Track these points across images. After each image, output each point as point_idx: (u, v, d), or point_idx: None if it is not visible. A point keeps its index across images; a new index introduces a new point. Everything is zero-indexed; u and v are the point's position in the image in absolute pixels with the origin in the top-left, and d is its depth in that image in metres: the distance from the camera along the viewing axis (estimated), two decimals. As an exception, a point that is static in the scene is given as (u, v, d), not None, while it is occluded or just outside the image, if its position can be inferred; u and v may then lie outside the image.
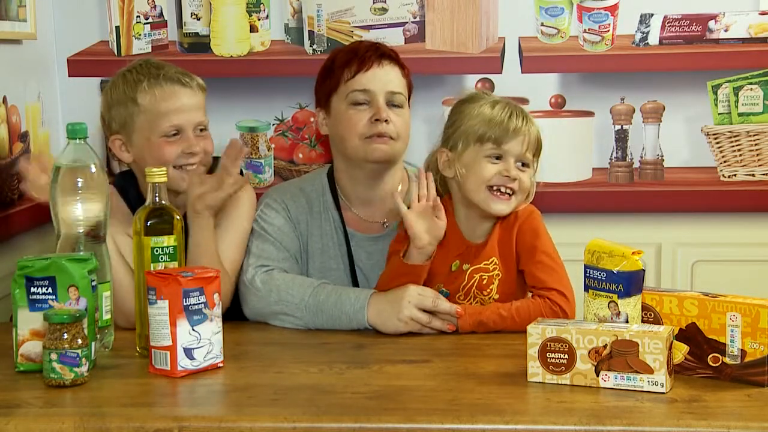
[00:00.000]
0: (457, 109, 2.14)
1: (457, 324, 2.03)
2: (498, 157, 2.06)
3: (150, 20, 2.90)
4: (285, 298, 2.12)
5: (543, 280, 2.07)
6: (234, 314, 2.20)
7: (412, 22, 2.87)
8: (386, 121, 2.20)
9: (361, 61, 2.24)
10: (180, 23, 2.90)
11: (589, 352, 1.66)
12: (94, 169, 1.90)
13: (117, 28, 2.89)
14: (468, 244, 2.11)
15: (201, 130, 2.25)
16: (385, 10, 2.87)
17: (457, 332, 2.03)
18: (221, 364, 1.81)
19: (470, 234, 2.12)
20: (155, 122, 2.20)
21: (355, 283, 2.26)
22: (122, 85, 2.23)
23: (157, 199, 1.91)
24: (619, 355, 1.64)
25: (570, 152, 2.91)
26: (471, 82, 2.88)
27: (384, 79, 2.24)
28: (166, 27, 2.90)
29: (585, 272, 1.75)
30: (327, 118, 2.30)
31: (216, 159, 2.29)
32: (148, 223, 1.89)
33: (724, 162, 2.86)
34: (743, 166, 2.85)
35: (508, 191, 2.06)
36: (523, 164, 2.07)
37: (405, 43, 2.82)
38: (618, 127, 2.87)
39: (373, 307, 2.05)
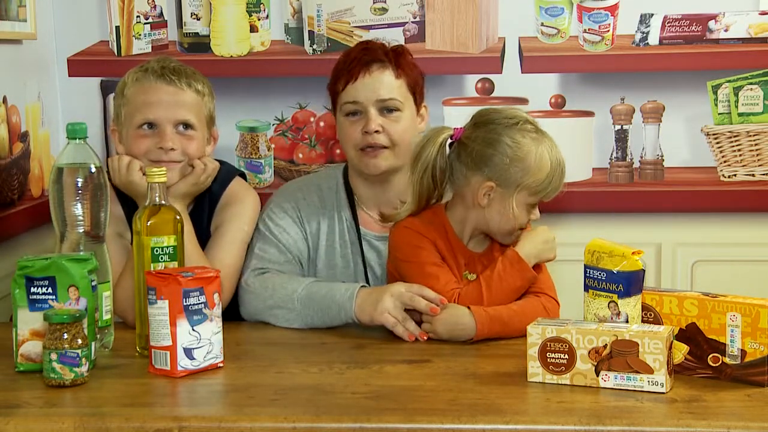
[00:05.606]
0: (507, 142, 2.00)
1: (476, 328, 1.96)
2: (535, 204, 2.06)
3: (150, 20, 2.89)
4: (279, 293, 2.12)
5: (540, 279, 2.08)
6: (234, 314, 2.20)
7: (412, 22, 2.87)
8: (377, 131, 2.20)
9: (348, 73, 2.22)
10: (180, 23, 2.90)
11: (589, 352, 1.66)
12: (93, 169, 1.91)
13: (117, 28, 2.89)
14: (471, 253, 2.10)
15: (185, 128, 2.21)
16: (385, 10, 2.87)
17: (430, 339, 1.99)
18: (221, 364, 1.81)
19: (474, 245, 2.10)
20: (131, 115, 2.21)
21: (366, 282, 2.26)
22: (124, 79, 2.27)
23: (157, 199, 1.91)
24: (619, 355, 1.64)
25: (570, 152, 2.88)
26: (471, 82, 2.88)
27: (372, 87, 2.21)
28: (166, 27, 2.90)
29: (585, 272, 1.75)
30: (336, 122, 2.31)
31: (220, 162, 2.28)
32: (148, 223, 1.89)
33: (724, 162, 2.86)
34: (743, 166, 2.85)
35: None
36: None
37: (405, 43, 2.82)
38: (618, 127, 2.87)
39: (360, 297, 2.05)
